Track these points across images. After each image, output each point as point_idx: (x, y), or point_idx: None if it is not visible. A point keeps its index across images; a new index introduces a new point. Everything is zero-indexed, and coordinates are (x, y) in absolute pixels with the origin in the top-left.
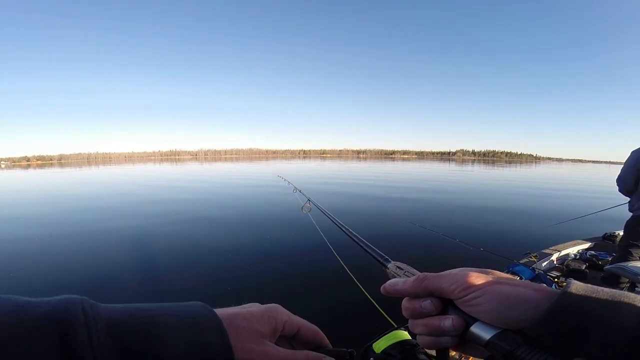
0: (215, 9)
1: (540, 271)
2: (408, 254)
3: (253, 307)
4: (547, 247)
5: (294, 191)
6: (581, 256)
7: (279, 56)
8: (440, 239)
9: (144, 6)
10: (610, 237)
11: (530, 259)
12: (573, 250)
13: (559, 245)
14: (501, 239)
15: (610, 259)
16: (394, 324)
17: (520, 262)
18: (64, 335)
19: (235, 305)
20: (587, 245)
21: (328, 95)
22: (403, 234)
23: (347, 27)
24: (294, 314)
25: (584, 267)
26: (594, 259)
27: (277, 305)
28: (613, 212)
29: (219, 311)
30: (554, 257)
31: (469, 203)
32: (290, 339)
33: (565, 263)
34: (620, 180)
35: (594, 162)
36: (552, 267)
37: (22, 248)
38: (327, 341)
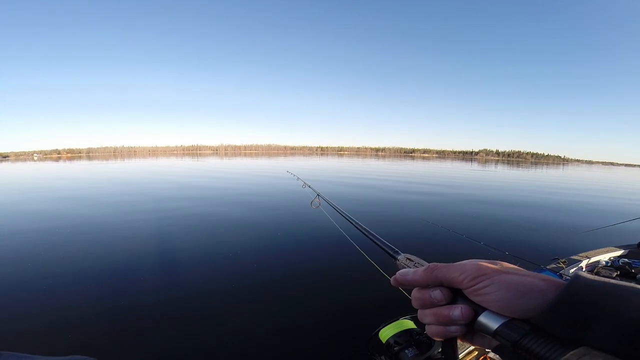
0: (238, 7)
1: (567, 277)
2: (429, 256)
3: None
4: (576, 254)
5: (304, 187)
6: (613, 263)
7: (300, 54)
8: (464, 241)
9: (170, 4)
10: None
11: (558, 264)
12: (604, 257)
13: (589, 252)
14: (528, 243)
15: None
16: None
17: (547, 267)
18: None
19: None
20: (620, 252)
21: (348, 93)
22: (424, 236)
23: (371, 25)
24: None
25: (614, 274)
26: (626, 266)
27: None
28: None
29: None
30: (583, 263)
31: (494, 205)
32: None
33: (595, 270)
34: None
35: (627, 165)
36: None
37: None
38: None
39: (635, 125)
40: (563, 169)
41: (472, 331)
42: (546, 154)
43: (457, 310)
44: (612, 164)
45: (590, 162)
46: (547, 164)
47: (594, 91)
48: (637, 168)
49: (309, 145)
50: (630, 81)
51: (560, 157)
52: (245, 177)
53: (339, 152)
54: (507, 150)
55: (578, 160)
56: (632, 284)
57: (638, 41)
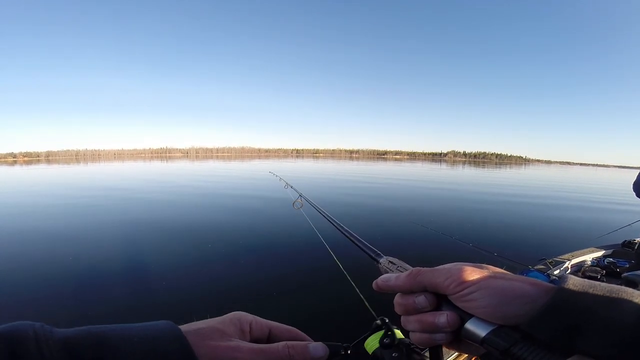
0: (209, 7)
1: (555, 277)
2: (418, 259)
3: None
4: (563, 254)
5: (286, 187)
6: (598, 263)
7: (272, 55)
8: (453, 242)
9: (139, 2)
10: (629, 244)
11: (546, 265)
12: (590, 257)
13: (575, 252)
14: (515, 244)
15: (628, 266)
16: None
17: (535, 267)
18: (12, 352)
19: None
20: (604, 252)
21: (321, 95)
22: (412, 238)
23: (341, 27)
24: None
25: (599, 275)
26: (611, 266)
27: (239, 311)
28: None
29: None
30: (570, 263)
31: (478, 205)
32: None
33: (582, 270)
34: (637, 186)
35: (581, 164)
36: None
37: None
38: (309, 339)
39: (588, 127)
40: (526, 168)
41: (458, 338)
42: (509, 154)
43: (443, 317)
44: (568, 163)
45: (549, 162)
46: (510, 164)
47: (551, 94)
48: (591, 167)
49: (284, 147)
50: (586, 84)
51: (522, 157)
52: (227, 178)
53: (315, 154)
54: (474, 152)
55: (538, 160)
56: (623, 288)
57: (589, 45)
